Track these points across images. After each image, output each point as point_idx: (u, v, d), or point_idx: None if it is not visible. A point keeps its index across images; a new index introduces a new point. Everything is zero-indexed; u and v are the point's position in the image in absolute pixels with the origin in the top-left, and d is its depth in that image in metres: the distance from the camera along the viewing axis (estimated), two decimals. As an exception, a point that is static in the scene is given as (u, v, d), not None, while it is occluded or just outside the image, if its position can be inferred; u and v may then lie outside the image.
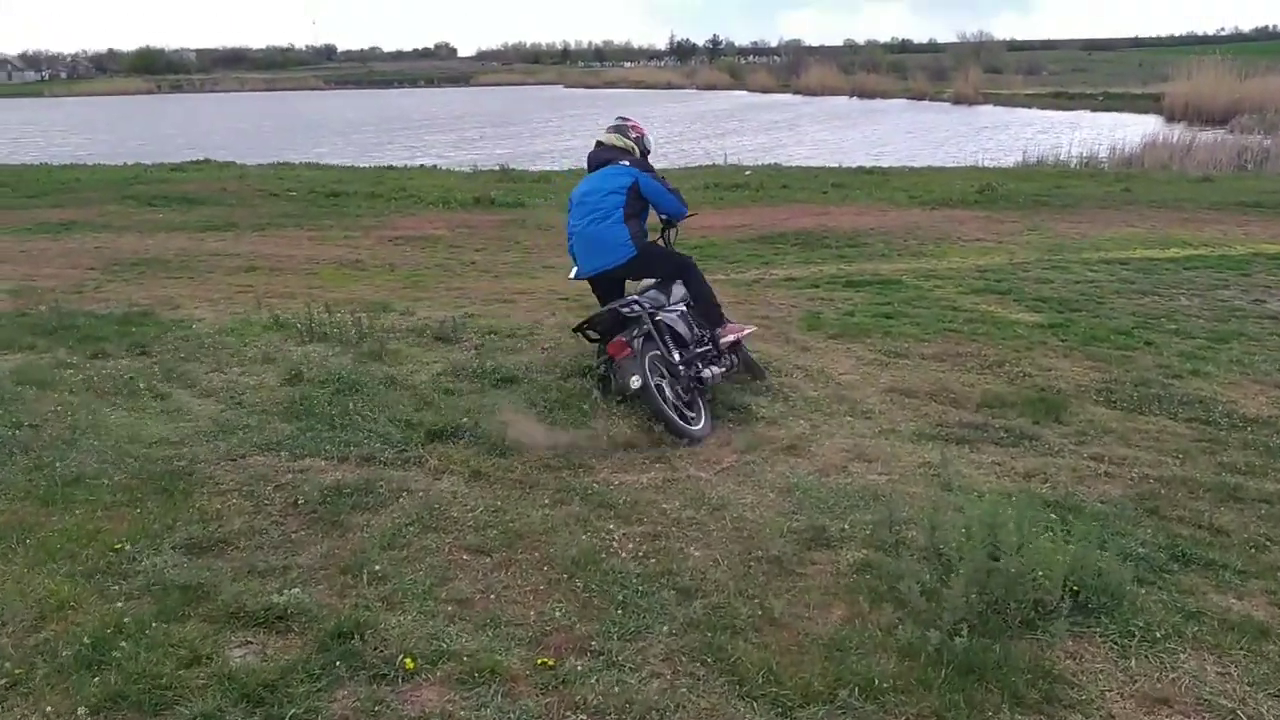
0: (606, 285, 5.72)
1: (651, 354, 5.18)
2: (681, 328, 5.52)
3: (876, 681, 2.88)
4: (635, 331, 5.21)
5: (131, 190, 16.64)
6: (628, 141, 5.85)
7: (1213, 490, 4.39)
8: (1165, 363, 6.34)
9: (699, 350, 5.50)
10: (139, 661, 2.85)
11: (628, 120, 6.05)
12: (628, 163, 5.70)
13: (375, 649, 3.01)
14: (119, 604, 3.20)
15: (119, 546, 3.62)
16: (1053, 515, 3.87)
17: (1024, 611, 3.22)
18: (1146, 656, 3.09)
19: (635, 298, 5.45)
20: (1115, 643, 3.15)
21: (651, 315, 5.32)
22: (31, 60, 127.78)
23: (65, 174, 20.12)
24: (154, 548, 3.64)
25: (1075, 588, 3.32)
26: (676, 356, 5.27)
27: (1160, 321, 7.43)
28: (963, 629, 3.10)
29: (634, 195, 5.55)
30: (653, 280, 5.83)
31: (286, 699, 2.76)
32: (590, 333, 5.53)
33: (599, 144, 5.89)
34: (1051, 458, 4.79)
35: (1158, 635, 3.19)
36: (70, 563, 3.50)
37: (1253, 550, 3.82)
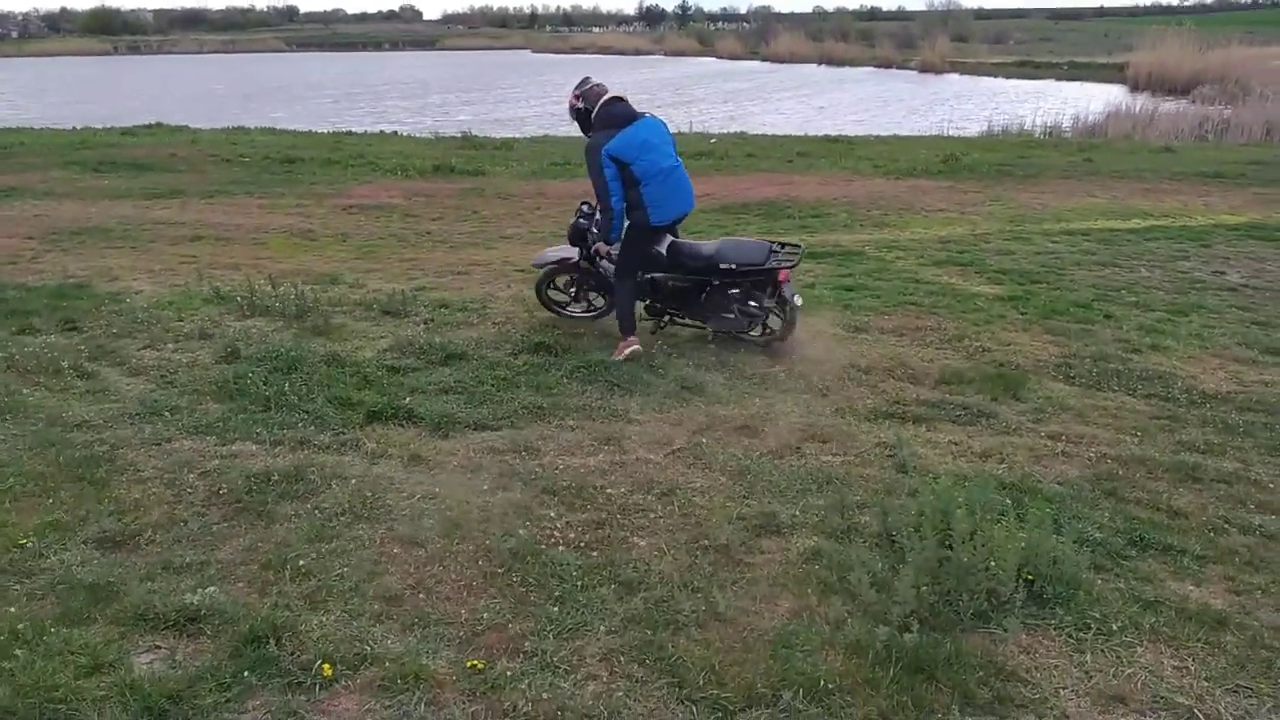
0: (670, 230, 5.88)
1: None
2: None
3: (822, 682, 2.75)
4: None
5: (77, 155, 16.05)
6: None
7: (1171, 470, 4.31)
8: (1125, 336, 6.27)
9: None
10: (34, 671, 2.65)
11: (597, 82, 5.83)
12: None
13: (292, 654, 2.82)
14: (16, 607, 2.98)
15: (24, 542, 3.39)
16: (1008, 500, 3.76)
17: (976, 604, 3.10)
18: (1102, 651, 2.98)
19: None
20: (1070, 636, 3.05)
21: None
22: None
23: (9, 137, 19.38)
24: (63, 542, 3.42)
25: (1030, 577, 3.21)
26: None
27: (1120, 294, 7.36)
28: (913, 623, 2.98)
29: None
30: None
31: (193, 711, 2.58)
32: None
33: (618, 98, 5.64)
34: (1008, 436, 4.68)
35: (1114, 627, 3.08)
36: (-30, 560, 3.27)
37: (1211, 534, 3.74)
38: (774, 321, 5.97)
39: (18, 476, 3.93)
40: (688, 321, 6.09)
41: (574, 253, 6.14)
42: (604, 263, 5.98)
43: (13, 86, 45.24)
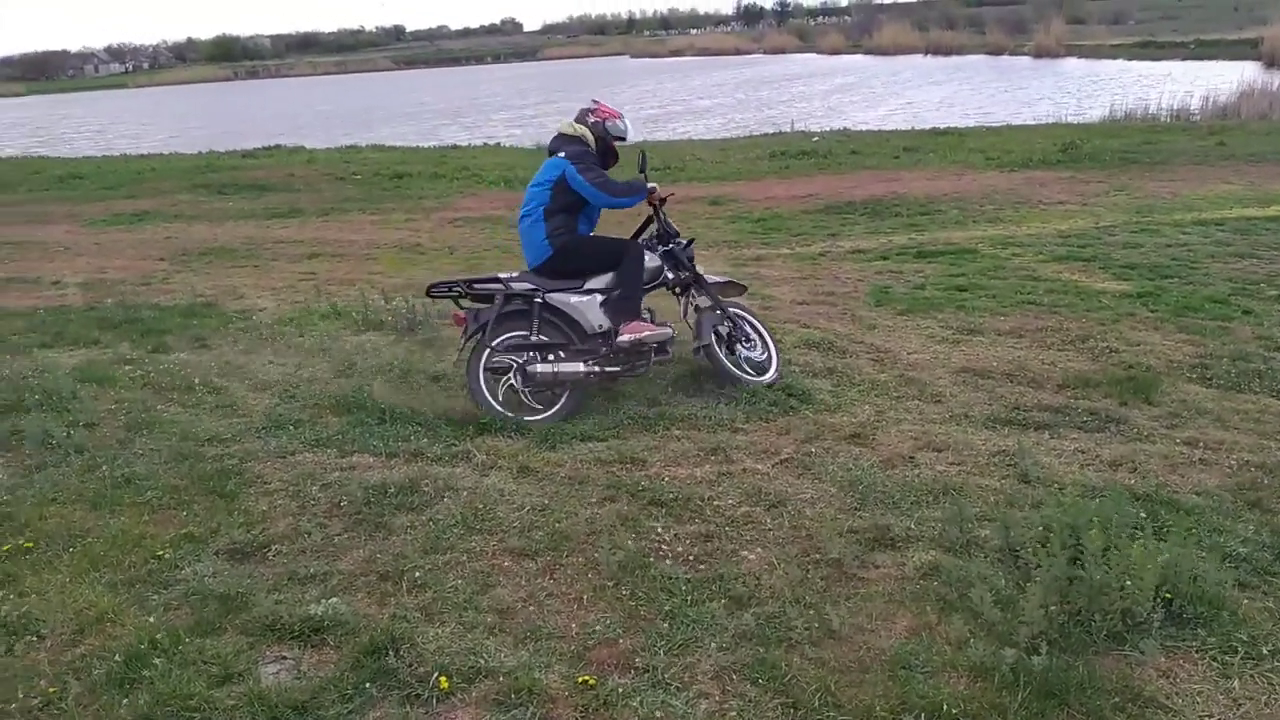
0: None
1: (505, 336, 5.03)
2: (585, 316, 5.15)
3: (945, 706, 2.63)
4: (482, 312, 5.05)
5: (203, 178, 16.98)
6: (581, 129, 5.37)
7: (1323, 479, 3.99)
8: (1266, 334, 5.86)
9: (586, 345, 5.13)
10: (170, 680, 2.77)
11: (596, 104, 5.53)
12: (564, 154, 5.21)
13: (410, 665, 2.88)
14: (155, 616, 3.13)
15: (161, 553, 3.57)
16: (1142, 512, 3.55)
17: (1110, 624, 2.92)
18: (1252, 676, 2.77)
19: (498, 274, 5.20)
20: (1215, 659, 2.84)
21: (531, 296, 5.06)
22: (116, 53, 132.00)
23: (141, 164, 20.67)
24: (196, 554, 3.58)
25: (1169, 596, 3.01)
26: (541, 343, 5.07)
27: (1259, 288, 6.88)
28: (1041, 645, 2.83)
29: (560, 188, 5.14)
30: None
31: (317, 721, 2.66)
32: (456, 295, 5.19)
33: (558, 133, 5.43)
34: (1141, 444, 4.42)
35: (1264, 651, 2.86)
36: (113, 571, 3.46)
37: (1372, 549, 3.44)
38: None
39: (155, 490, 4.14)
40: None
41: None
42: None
43: (147, 115, 48.23)
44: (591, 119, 5.43)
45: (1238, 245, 8.21)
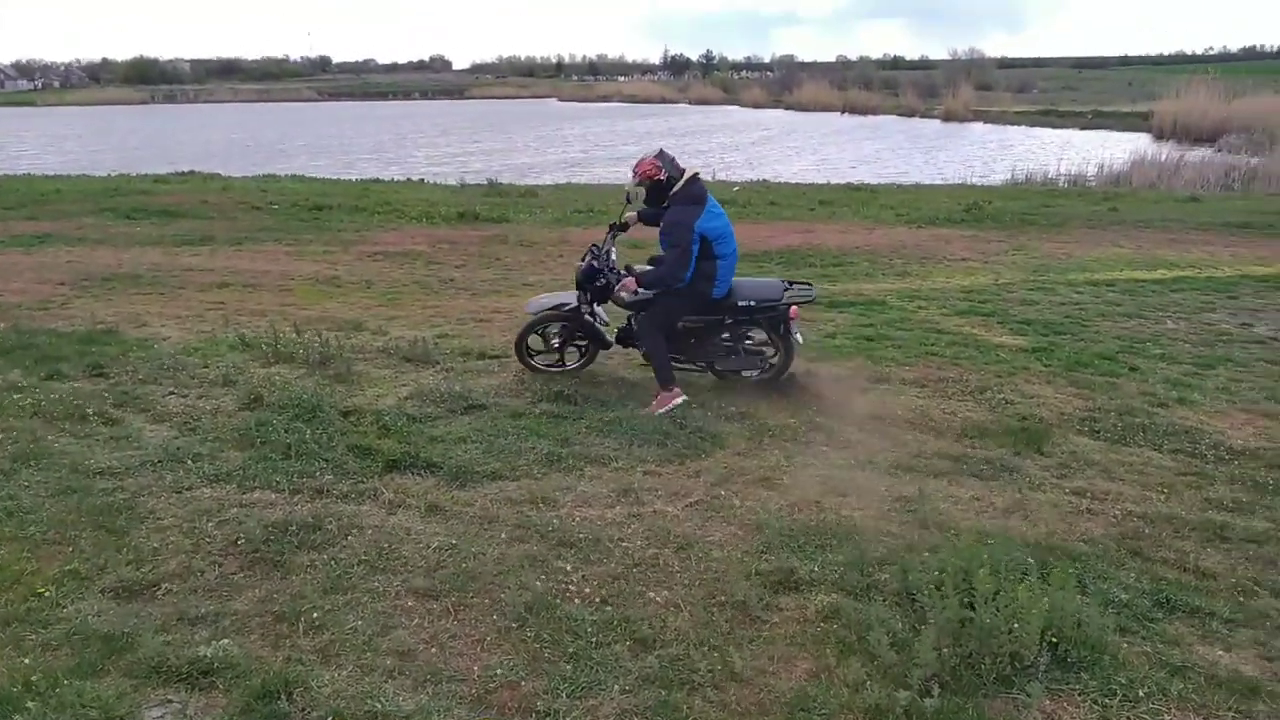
0: None
1: None
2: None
3: (840, 747, 2.69)
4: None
5: (111, 202, 16.39)
6: None
7: (1198, 529, 4.22)
8: (1150, 390, 6.19)
9: None
10: (45, 724, 2.64)
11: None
12: None
13: (304, 710, 2.80)
14: (31, 657, 2.98)
15: (43, 590, 3.40)
16: (1031, 558, 3.69)
17: (999, 667, 3.03)
18: (1129, 719, 2.90)
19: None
20: (1096, 702, 2.97)
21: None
22: (24, 69, 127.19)
23: (46, 185, 19.85)
24: (80, 592, 3.43)
25: (1054, 640, 3.14)
26: None
27: (1146, 346, 7.28)
28: (934, 687, 2.92)
29: None
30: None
31: (202, 768, 2.56)
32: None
33: (697, 176, 5.82)
34: (1032, 492, 4.61)
35: (1140, 694, 3.00)
36: (-12, 609, 3.29)
37: (1240, 596, 3.65)
38: (774, 357, 6.09)
39: (39, 524, 3.96)
40: (685, 364, 6.08)
41: (572, 298, 6.13)
42: (600, 313, 6.09)
43: (53, 134, 46.50)
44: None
45: (1126, 305, 8.67)
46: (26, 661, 2.95)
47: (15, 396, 5.61)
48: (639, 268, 6.05)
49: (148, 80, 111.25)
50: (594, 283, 6.01)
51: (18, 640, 3.11)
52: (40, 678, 2.84)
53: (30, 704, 2.72)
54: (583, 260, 6.12)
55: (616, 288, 5.92)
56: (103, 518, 4.04)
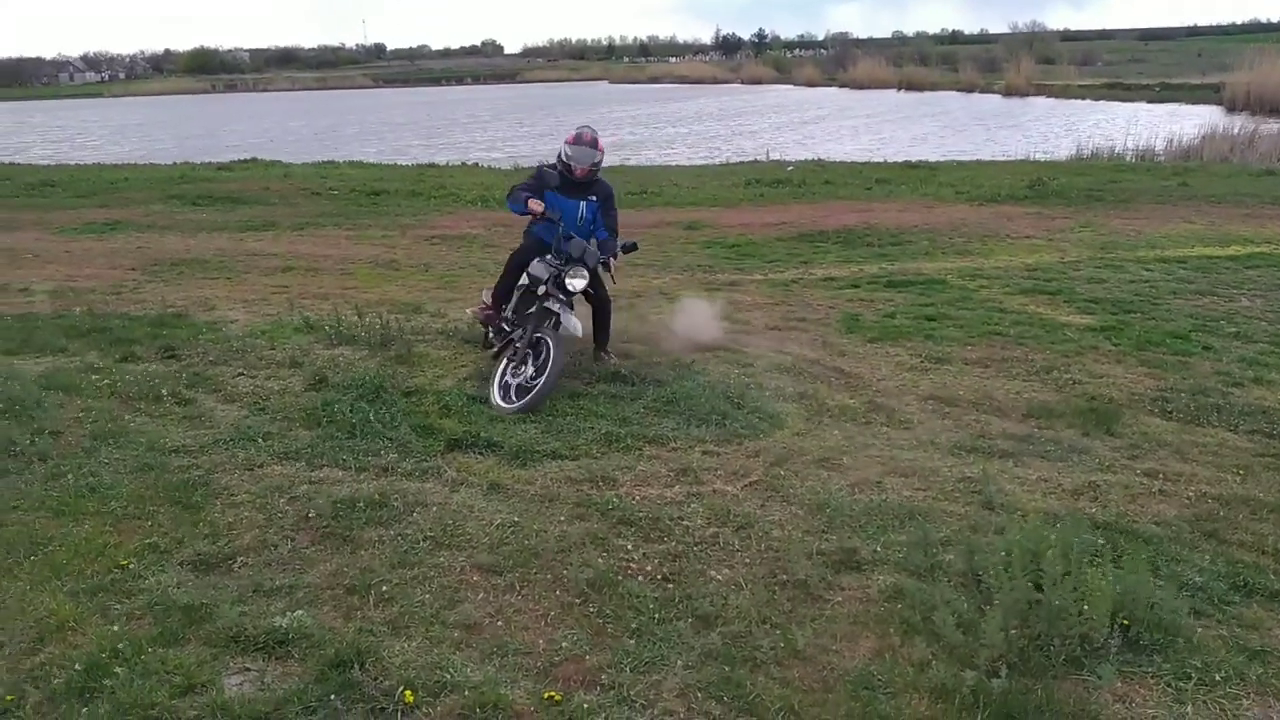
0: None
1: None
2: None
3: (905, 726, 2.67)
4: None
5: (177, 189, 16.83)
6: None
7: (1276, 511, 4.10)
8: (1225, 369, 6.00)
9: None
10: (132, 689, 2.75)
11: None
12: None
13: (376, 679, 2.87)
14: (118, 625, 3.10)
15: (125, 563, 3.53)
16: (1102, 540, 3.62)
17: (1069, 649, 2.98)
18: (1205, 702, 2.84)
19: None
20: (1170, 685, 2.91)
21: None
22: (92, 62, 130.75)
23: (115, 174, 20.45)
24: (160, 564, 3.55)
25: (1125, 622, 3.08)
26: None
27: (1219, 324, 7.06)
28: (1001, 668, 2.88)
29: None
30: None
31: (280, 733, 2.64)
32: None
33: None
34: (1102, 474, 4.52)
35: (1217, 678, 2.93)
36: (75, 580, 3.42)
37: (1322, 580, 3.53)
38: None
39: (119, 500, 4.10)
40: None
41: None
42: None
43: (121, 124, 47.80)
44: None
45: (1198, 283, 8.41)
46: (113, 629, 3.07)
47: (94, 378, 5.81)
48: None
49: (208, 70, 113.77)
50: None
51: (104, 609, 3.23)
52: (126, 645, 2.96)
53: (118, 669, 2.83)
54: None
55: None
56: (179, 494, 4.18)
